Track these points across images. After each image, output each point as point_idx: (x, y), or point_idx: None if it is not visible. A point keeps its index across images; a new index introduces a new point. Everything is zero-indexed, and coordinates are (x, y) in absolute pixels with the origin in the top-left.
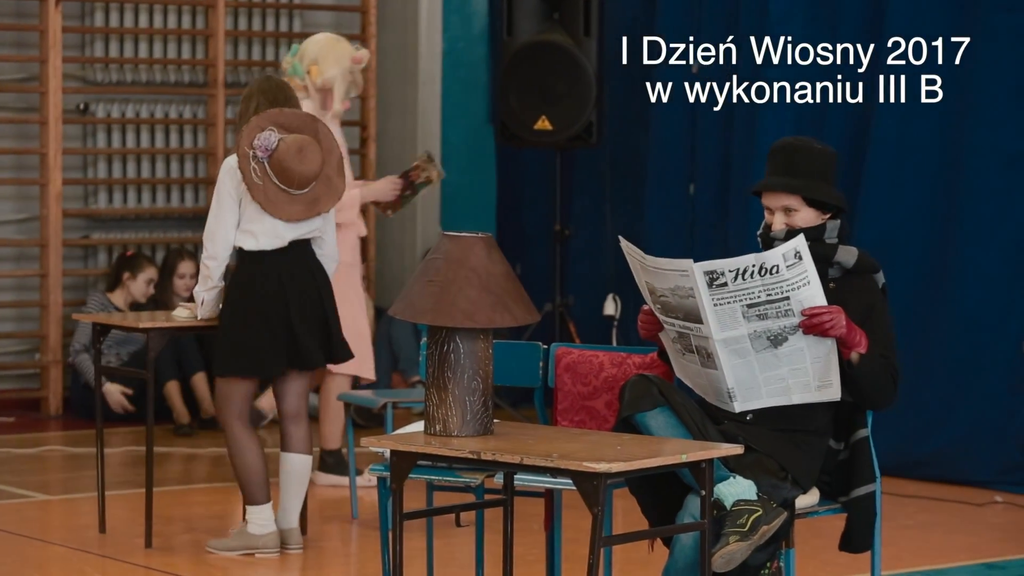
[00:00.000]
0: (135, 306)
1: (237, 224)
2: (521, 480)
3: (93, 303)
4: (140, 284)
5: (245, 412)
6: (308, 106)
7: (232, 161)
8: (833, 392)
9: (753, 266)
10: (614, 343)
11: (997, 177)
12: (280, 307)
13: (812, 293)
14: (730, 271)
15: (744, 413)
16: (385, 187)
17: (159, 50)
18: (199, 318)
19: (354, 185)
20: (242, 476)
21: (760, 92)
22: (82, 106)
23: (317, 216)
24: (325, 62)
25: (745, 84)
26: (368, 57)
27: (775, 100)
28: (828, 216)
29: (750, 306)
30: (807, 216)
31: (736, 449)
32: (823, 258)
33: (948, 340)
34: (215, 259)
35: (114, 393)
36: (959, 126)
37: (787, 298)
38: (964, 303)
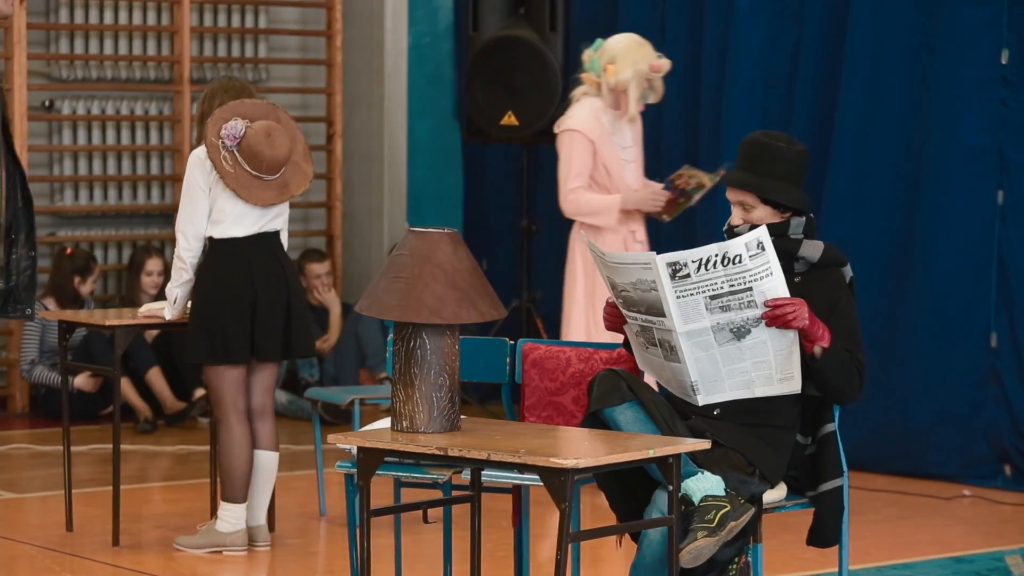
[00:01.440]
0: (82, 305)
1: (208, 215)
2: (488, 476)
3: (31, 330)
4: (88, 285)
5: (240, 403)
6: (596, 103)
7: (200, 153)
8: (794, 384)
9: (716, 256)
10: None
11: (961, 169)
12: (248, 295)
13: (775, 284)
14: (693, 262)
15: (712, 408)
16: (646, 197)
17: (124, 47)
18: (168, 318)
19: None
20: (227, 471)
21: (726, 88)
22: (47, 103)
23: (287, 200)
24: (623, 63)
25: (710, 80)
26: (669, 67)
27: (741, 95)
28: (790, 214)
29: (713, 297)
30: (763, 214)
31: (703, 444)
32: (788, 253)
33: (914, 334)
34: (190, 251)
35: (81, 379)
36: (923, 119)
37: (750, 289)
38: (930, 296)
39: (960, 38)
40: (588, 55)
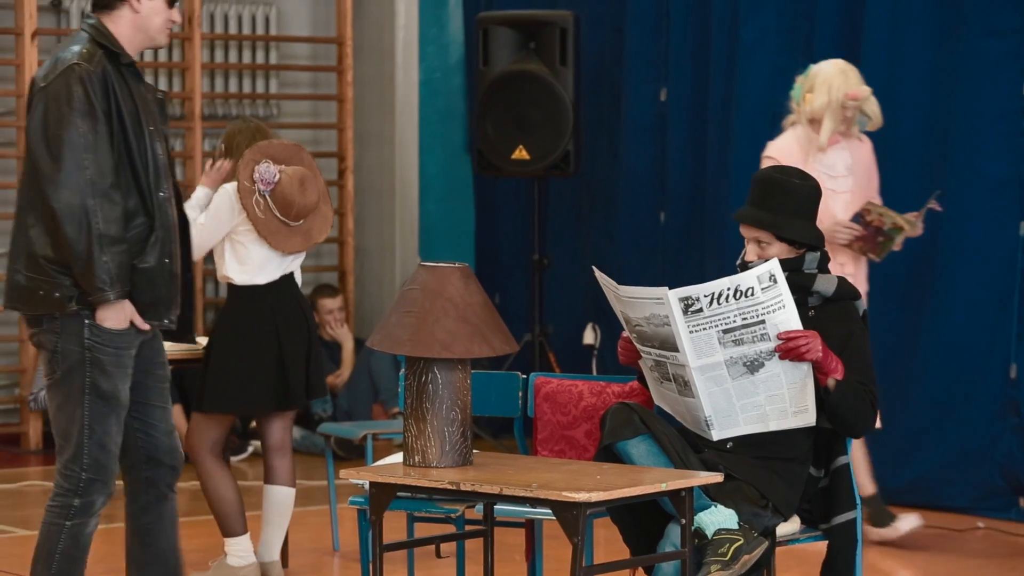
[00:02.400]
0: None
1: (224, 237)
2: (501, 511)
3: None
4: None
5: (218, 446)
6: (800, 132)
7: (231, 188)
8: (809, 417)
9: (728, 289)
10: (594, 372)
11: (983, 201)
12: (272, 344)
13: (787, 317)
14: (705, 296)
15: (724, 441)
16: (831, 228)
17: None
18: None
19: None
20: (217, 509)
21: (732, 122)
22: None
23: (310, 247)
24: (819, 90)
25: (716, 114)
26: (867, 95)
27: (747, 129)
28: (804, 249)
29: (726, 331)
30: (778, 250)
31: (716, 477)
32: (802, 288)
33: (931, 366)
34: (200, 248)
35: None
36: (942, 151)
37: (762, 321)
38: (949, 328)
39: (980, 70)
40: (798, 81)
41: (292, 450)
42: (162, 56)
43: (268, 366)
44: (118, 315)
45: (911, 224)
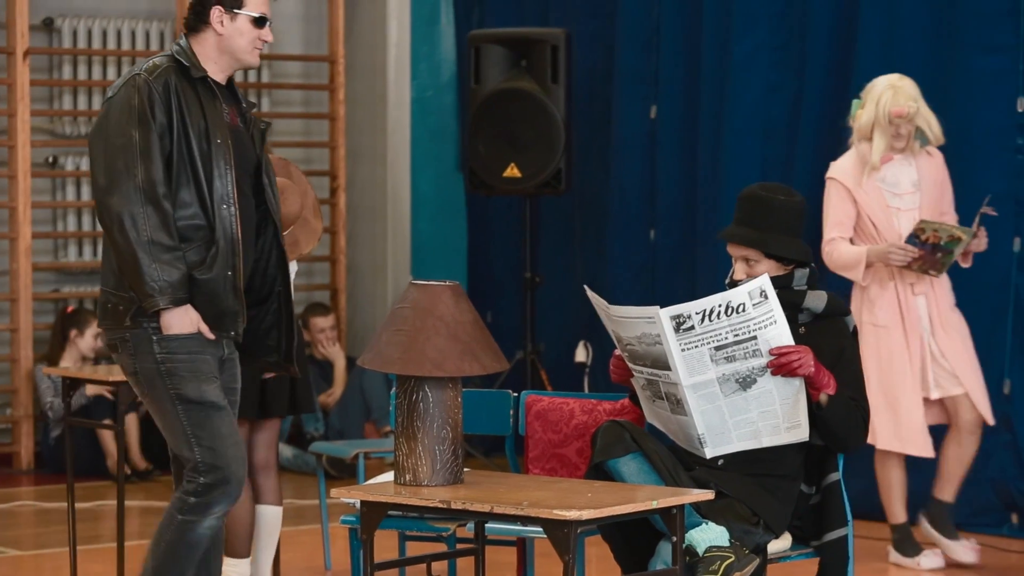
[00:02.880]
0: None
1: None
2: (492, 529)
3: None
4: (88, 340)
5: None
6: (860, 151)
7: None
8: (801, 433)
9: (719, 306)
10: (586, 390)
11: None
12: None
13: (779, 332)
14: (696, 313)
15: (716, 458)
16: (886, 250)
17: None
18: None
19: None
20: (229, 527)
21: (724, 138)
22: (51, 159)
23: (296, 259)
24: (868, 106)
25: (707, 130)
26: (912, 112)
27: (739, 146)
28: (792, 267)
29: (718, 348)
30: (767, 268)
31: (707, 495)
32: (792, 304)
33: None
34: None
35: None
36: None
37: (754, 338)
38: None
39: (975, 87)
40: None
41: (278, 468)
42: None
43: (251, 373)
44: (181, 320)
45: (967, 233)
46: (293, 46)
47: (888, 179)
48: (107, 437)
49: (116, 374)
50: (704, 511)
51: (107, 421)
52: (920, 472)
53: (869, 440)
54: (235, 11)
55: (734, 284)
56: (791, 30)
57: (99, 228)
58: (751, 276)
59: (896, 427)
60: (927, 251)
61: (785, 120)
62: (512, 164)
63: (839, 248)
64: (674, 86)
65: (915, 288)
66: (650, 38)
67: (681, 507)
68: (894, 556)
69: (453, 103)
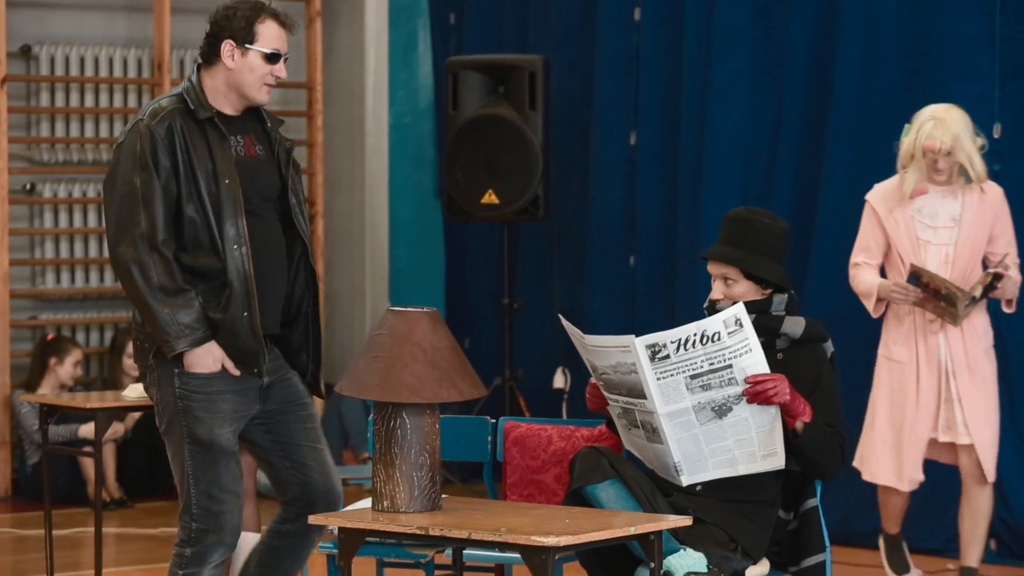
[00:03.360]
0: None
1: None
2: (470, 555)
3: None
4: (68, 368)
5: None
6: (901, 177)
7: None
8: (778, 460)
9: (695, 335)
10: (564, 416)
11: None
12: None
13: (755, 360)
14: (672, 342)
15: (694, 484)
16: (888, 287)
17: (105, 129)
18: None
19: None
20: None
21: (704, 165)
22: (28, 186)
23: None
24: (908, 136)
25: (688, 157)
26: (944, 148)
27: (719, 173)
28: (770, 291)
29: (693, 377)
30: (745, 289)
31: (685, 521)
32: (770, 330)
33: None
34: None
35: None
36: None
37: (730, 366)
38: None
39: None
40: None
41: (256, 495)
42: (131, 102)
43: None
44: (203, 360)
45: (963, 295)
46: None
47: (925, 210)
48: (87, 464)
49: (94, 402)
50: (682, 537)
51: (87, 448)
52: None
53: (870, 477)
54: (247, 46)
55: (713, 305)
56: (771, 56)
57: (77, 255)
58: (728, 296)
59: (899, 466)
60: (929, 295)
61: (765, 146)
62: (490, 190)
63: (859, 275)
64: (654, 112)
65: (933, 326)
66: (630, 64)
67: (659, 533)
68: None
69: (431, 130)
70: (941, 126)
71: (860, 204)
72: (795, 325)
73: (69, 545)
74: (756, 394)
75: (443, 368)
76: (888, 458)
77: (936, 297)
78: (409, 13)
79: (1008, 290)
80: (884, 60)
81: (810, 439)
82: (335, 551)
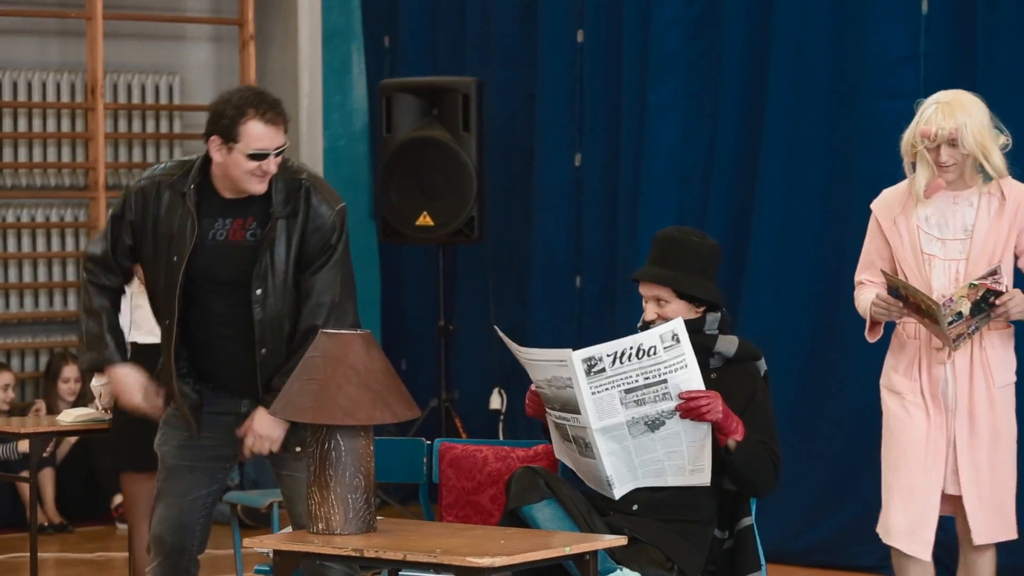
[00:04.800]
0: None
1: (129, 320)
2: None
3: None
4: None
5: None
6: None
7: None
8: (704, 477)
9: (631, 348)
10: (501, 437)
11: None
12: None
13: (689, 376)
14: (608, 355)
15: (630, 503)
16: (875, 303)
17: (39, 154)
18: (104, 408)
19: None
20: None
21: (641, 184)
22: None
23: None
24: (911, 127)
25: (627, 176)
26: (940, 134)
27: (656, 191)
28: (703, 310)
29: (628, 391)
30: (678, 308)
31: (620, 540)
32: (704, 348)
33: (835, 427)
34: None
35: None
36: (842, 213)
37: (664, 381)
38: (851, 389)
39: (877, 132)
40: None
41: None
42: (65, 127)
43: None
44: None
45: (940, 312)
46: (204, 96)
47: (933, 219)
48: (25, 488)
49: (28, 426)
50: (618, 557)
51: (23, 473)
52: None
53: (881, 533)
54: (231, 144)
55: (646, 326)
56: (706, 77)
57: (11, 279)
58: (662, 317)
59: (911, 524)
60: (911, 309)
61: (700, 166)
62: (424, 212)
63: (859, 295)
64: (598, 134)
65: (940, 354)
66: (573, 86)
67: (594, 553)
68: None
69: (365, 152)
70: (944, 109)
71: (792, 223)
72: (728, 344)
73: (6, 570)
74: (689, 410)
75: (377, 390)
76: (896, 513)
77: (919, 313)
78: (343, 36)
79: (1013, 310)
80: (814, 79)
81: (742, 457)
82: (271, 574)
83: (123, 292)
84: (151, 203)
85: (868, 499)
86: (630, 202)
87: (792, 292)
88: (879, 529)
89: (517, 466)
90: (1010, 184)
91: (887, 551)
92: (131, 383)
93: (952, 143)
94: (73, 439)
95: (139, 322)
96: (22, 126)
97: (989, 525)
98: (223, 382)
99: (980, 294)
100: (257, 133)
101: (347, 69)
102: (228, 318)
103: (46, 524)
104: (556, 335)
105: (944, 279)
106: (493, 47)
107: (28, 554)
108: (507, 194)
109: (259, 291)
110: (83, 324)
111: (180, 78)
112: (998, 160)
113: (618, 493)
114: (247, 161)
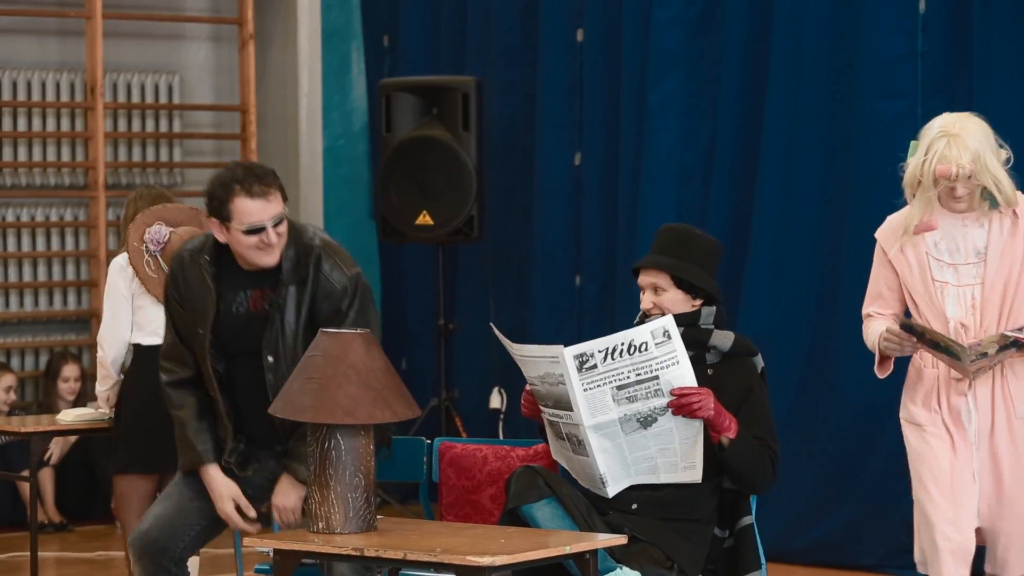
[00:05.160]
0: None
1: (131, 321)
2: None
3: None
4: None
5: (143, 512)
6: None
7: (122, 260)
8: (695, 474)
9: (622, 344)
10: (500, 436)
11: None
12: None
13: (681, 373)
14: (599, 351)
15: (629, 502)
16: (886, 335)
17: (38, 153)
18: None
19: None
20: None
21: (641, 184)
22: None
23: None
24: (916, 156)
25: (627, 177)
26: (956, 174)
27: (655, 191)
28: (700, 302)
29: (620, 388)
30: (675, 297)
31: (620, 539)
32: (699, 343)
33: (833, 425)
34: (112, 359)
35: None
36: (840, 213)
37: (656, 377)
38: (850, 388)
39: (874, 131)
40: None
41: None
42: (64, 126)
43: (167, 426)
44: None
45: (962, 351)
46: (204, 96)
47: (943, 244)
48: (26, 487)
49: (29, 425)
50: (618, 556)
51: (23, 473)
52: None
53: (919, 565)
54: (227, 223)
55: (643, 318)
56: (705, 77)
57: (11, 279)
58: (658, 304)
59: (946, 556)
60: (925, 345)
61: (700, 166)
62: (424, 212)
63: (867, 328)
64: (598, 133)
65: (960, 385)
66: (573, 85)
67: (594, 552)
68: None
69: (365, 152)
70: (956, 143)
71: (791, 222)
72: (724, 338)
73: (6, 569)
74: (681, 407)
75: (377, 389)
76: (932, 545)
77: (936, 349)
78: (343, 35)
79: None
80: (812, 79)
81: (736, 454)
82: (271, 573)
83: (199, 379)
84: (179, 279)
85: (868, 497)
86: (630, 201)
87: (790, 291)
88: (916, 559)
89: (517, 465)
90: (1022, 202)
91: (887, 550)
92: (222, 493)
93: (968, 177)
94: (73, 439)
95: (141, 323)
96: (22, 125)
97: (1021, 560)
98: (263, 443)
99: (1010, 341)
100: (247, 209)
101: (347, 68)
102: (248, 386)
103: (46, 523)
104: (556, 334)
105: (959, 307)
106: (493, 47)
107: (28, 553)
108: (507, 193)
109: (270, 358)
110: (175, 428)
111: (179, 77)
112: (1009, 187)
113: (612, 491)
114: (246, 237)
